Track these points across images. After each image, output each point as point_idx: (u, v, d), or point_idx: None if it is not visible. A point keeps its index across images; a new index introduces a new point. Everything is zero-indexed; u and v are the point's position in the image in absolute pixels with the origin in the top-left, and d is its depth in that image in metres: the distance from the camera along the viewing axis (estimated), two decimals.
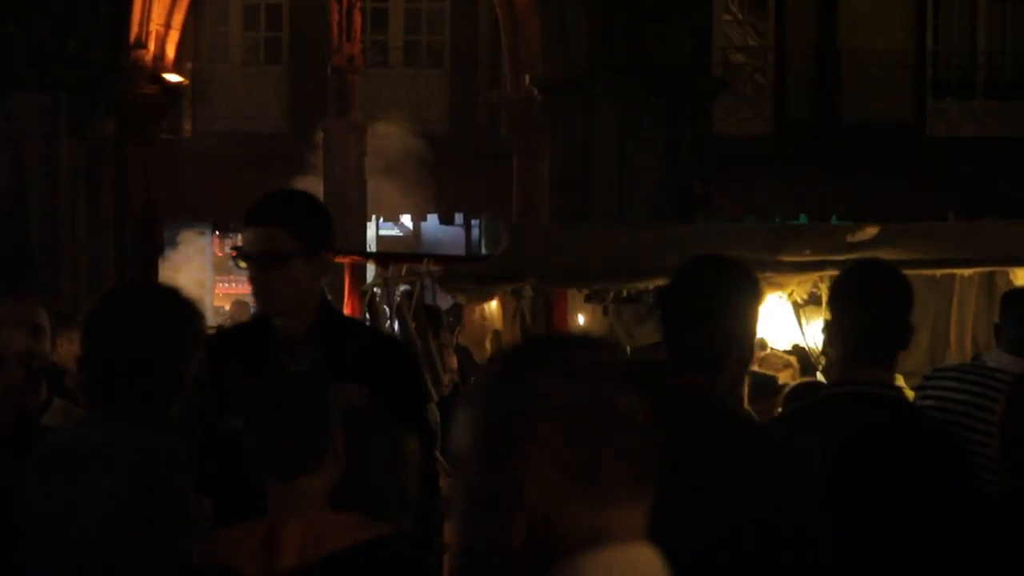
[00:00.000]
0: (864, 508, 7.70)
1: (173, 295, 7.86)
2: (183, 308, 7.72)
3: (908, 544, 7.86)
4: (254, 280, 7.71)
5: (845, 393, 8.57)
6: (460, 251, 25.30)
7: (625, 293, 17.51)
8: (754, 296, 7.89)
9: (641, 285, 16.58)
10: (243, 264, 7.77)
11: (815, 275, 16.54)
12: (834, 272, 15.98)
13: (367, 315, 18.98)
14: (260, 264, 7.59)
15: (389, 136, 24.10)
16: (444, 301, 19.84)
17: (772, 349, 16.18)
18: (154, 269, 23.53)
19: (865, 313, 8.49)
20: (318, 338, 7.71)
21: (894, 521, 7.87)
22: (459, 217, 26.73)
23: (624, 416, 3.70)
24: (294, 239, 7.51)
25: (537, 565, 3.68)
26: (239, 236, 25.37)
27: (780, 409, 13.23)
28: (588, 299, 18.90)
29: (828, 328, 9.11)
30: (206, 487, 7.42)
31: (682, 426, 6.66)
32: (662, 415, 3.85)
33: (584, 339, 4.67)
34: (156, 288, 9.22)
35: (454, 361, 16.70)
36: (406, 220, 26.35)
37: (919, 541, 7.85)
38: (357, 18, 24.05)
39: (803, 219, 17.33)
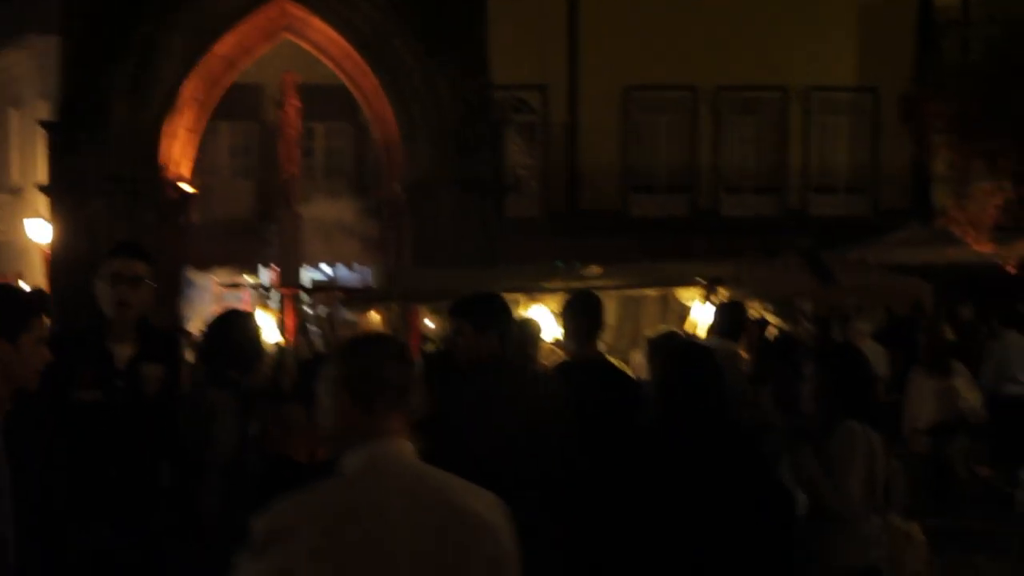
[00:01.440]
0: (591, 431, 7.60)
1: (252, 316, 8.66)
2: (256, 323, 8.40)
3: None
4: (127, 295, 7.03)
5: (576, 361, 9.06)
6: (358, 286, 25.03)
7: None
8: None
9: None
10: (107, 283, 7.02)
11: (566, 295, 16.77)
12: (577, 290, 16.59)
13: (306, 328, 18.98)
14: (129, 284, 7.02)
15: (319, 216, 24.12)
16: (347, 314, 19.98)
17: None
18: (178, 301, 23.30)
19: (581, 320, 9.15)
20: (135, 335, 7.03)
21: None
22: (356, 265, 26.40)
23: (385, 357, 4.37)
24: (147, 268, 7.13)
25: (353, 444, 4.23)
26: (228, 281, 25.30)
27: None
28: (431, 312, 18.91)
29: (564, 326, 9.42)
30: (60, 452, 6.70)
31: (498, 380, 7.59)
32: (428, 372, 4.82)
33: (378, 334, 5.46)
34: (245, 312, 9.31)
35: None
36: (325, 267, 26.06)
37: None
38: (296, 148, 24.15)
39: (559, 264, 17.39)
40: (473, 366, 7.59)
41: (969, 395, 15.78)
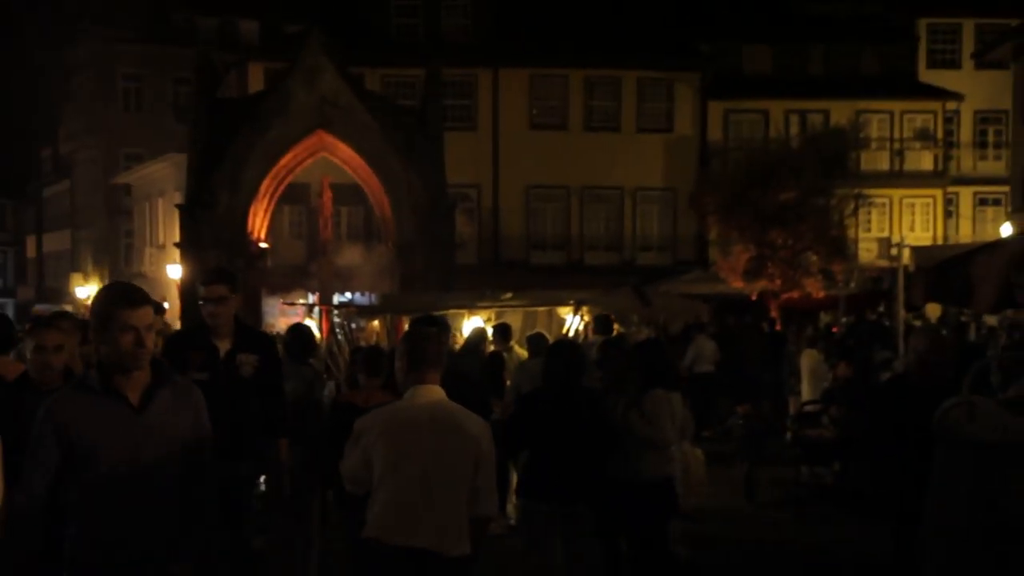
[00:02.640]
0: None
1: (309, 326, 9.20)
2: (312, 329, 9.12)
3: None
4: (213, 309, 6.27)
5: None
6: (366, 305, 24.77)
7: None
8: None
9: (431, 314, 16.59)
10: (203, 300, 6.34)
11: (490, 311, 16.58)
12: (498, 308, 16.40)
13: (335, 330, 18.85)
14: (215, 302, 6.26)
15: (343, 263, 23.84)
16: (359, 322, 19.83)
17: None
18: (258, 314, 22.94)
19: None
20: (232, 333, 6.33)
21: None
22: (368, 293, 25.91)
23: (428, 341, 4.79)
24: (230, 290, 6.34)
25: (408, 386, 4.69)
26: (288, 301, 25.06)
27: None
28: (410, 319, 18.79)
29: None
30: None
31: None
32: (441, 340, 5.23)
33: (423, 327, 5.51)
34: (307, 324, 9.59)
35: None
36: (348, 295, 25.65)
37: None
38: (329, 222, 23.97)
39: (487, 292, 17.24)
40: None
41: None
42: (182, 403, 4.06)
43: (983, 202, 35.81)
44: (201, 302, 6.38)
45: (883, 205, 34.41)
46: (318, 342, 12.82)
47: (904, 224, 34.48)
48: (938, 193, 35.27)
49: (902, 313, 13.93)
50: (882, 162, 35.18)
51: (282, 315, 24.79)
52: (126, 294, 3.97)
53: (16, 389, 5.21)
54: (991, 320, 19.63)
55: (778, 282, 25.59)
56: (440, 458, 4.56)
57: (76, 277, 47.39)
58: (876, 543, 9.64)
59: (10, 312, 41.89)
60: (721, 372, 17.97)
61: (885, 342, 15.92)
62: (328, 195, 23.34)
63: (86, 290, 45.21)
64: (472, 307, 16.17)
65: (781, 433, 13.69)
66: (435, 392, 4.66)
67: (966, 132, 36.02)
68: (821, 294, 25.53)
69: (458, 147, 27.56)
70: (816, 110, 34.23)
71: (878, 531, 9.86)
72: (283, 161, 23.16)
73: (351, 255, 24.02)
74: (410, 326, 9.17)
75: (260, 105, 23.03)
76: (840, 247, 26.15)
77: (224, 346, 6.37)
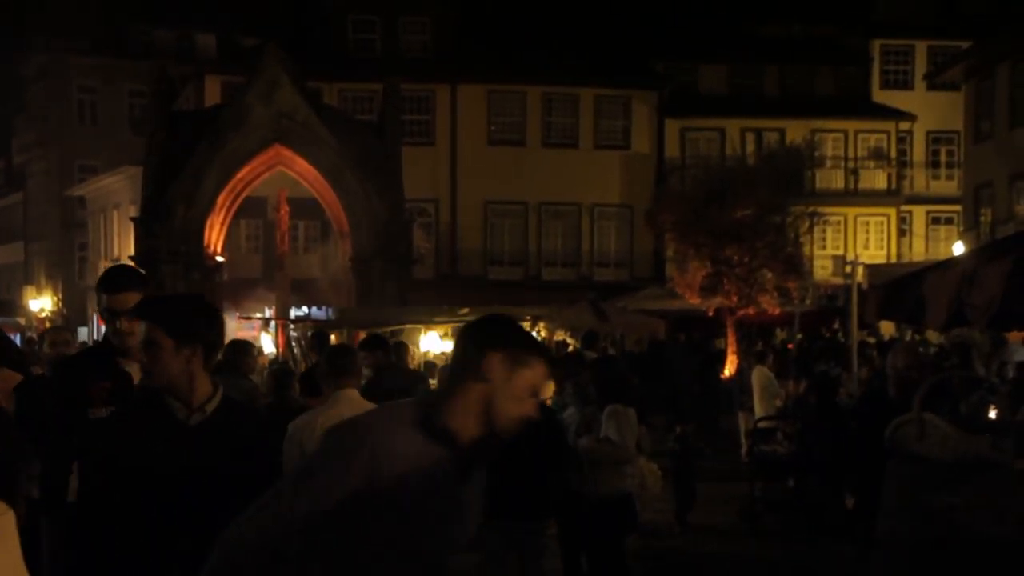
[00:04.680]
0: None
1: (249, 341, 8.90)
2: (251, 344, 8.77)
3: None
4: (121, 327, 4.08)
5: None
6: (323, 318, 24.62)
7: (378, 331, 17.19)
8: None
9: (387, 328, 16.64)
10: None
11: (447, 326, 16.60)
12: (455, 324, 16.41)
13: (291, 344, 18.68)
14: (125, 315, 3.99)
15: (300, 277, 23.74)
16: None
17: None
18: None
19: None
20: None
21: None
22: (326, 307, 25.79)
23: (344, 356, 5.53)
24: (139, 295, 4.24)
25: (332, 390, 5.33)
26: (244, 315, 24.81)
27: None
28: (367, 334, 18.68)
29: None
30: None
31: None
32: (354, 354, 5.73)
33: (342, 344, 5.57)
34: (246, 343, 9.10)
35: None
36: (305, 309, 25.45)
37: None
38: (286, 236, 23.80)
39: (445, 307, 17.16)
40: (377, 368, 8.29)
41: None
42: (243, 424, 3.33)
43: (936, 221, 36.54)
44: (105, 314, 4.29)
45: (837, 223, 34.91)
46: (258, 356, 12.70)
47: (858, 242, 35.11)
48: (892, 212, 35.96)
49: (856, 330, 14.05)
50: (836, 181, 35.72)
51: (239, 329, 24.62)
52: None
53: None
54: (933, 337, 19.78)
55: (734, 298, 25.65)
56: None
57: (29, 290, 46.78)
58: (829, 557, 9.74)
59: None
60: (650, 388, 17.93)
61: (839, 359, 16.02)
62: (285, 209, 23.26)
63: (39, 303, 44.62)
64: (429, 322, 16.22)
65: (733, 450, 13.66)
66: (351, 395, 5.29)
67: (919, 152, 36.76)
68: (776, 311, 25.65)
69: (416, 162, 27.61)
70: (771, 129, 34.67)
71: (831, 546, 9.98)
72: (240, 174, 23.05)
73: (308, 271, 23.93)
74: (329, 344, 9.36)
75: (217, 119, 22.98)
76: (795, 264, 26.29)
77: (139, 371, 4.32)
